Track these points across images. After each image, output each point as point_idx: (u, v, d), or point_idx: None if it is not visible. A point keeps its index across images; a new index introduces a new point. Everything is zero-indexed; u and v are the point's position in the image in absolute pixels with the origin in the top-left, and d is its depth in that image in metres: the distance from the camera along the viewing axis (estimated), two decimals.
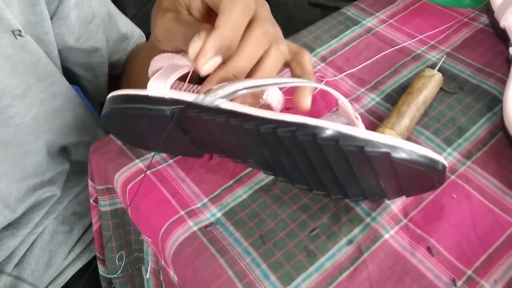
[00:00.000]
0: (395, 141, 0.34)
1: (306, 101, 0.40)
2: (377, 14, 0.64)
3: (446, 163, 0.36)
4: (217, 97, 0.37)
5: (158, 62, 0.42)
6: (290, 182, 0.42)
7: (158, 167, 0.47)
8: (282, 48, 0.38)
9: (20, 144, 0.53)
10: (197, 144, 0.43)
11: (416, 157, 0.34)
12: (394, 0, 0.67)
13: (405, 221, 0.42)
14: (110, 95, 0.42)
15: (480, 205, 0.43)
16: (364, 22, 0.63)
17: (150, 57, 0.43)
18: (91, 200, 0.54)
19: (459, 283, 0.38)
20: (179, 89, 0.40)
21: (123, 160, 0.48)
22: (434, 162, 0.35)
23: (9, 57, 0.47)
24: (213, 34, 0.35)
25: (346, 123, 0.42)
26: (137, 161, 0.48)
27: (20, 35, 0.47)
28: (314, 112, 0.50)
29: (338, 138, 0.34)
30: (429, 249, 0.40)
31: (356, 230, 0.41)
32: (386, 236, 0.41)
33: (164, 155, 0.48)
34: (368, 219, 0.42)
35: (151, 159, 0.48)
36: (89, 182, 0.53)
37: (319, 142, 0.34)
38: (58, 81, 0.55)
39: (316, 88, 0.46)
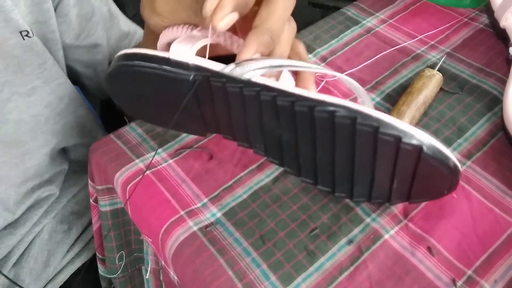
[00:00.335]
0: (430, 138, 0.34)
1: (311, 89, 0.39)
2: (377, 14, 0.64)
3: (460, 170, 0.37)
4: (249, 69, 0.35)
5: (170, 33, 0.39)
6: (296, 173, 0.41)
7: (158, 167, 0.47)
8: (293, 24, 0.38)
9: (19, 142, 0.53)
10: (206, 120, 0.41)
11: (445, 158, 0.34)
12: (394, 0, 0.67)
13: (405, 221, 0.42)
14: (122, 52, 0.39)
15: (480, 205, 0.43)
16: (364, 22, 0.63)
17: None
18: (91, 200, 0.54)
19: (459, 283, 0.38)
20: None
21: (123, 160, 0.48)
22: (455, 168, 0.35)
23: (16, 57, 0.47)
24: None
25: None
26: (137, 161, 0.48)
27: (27, 35, 0.47)
28: None
29: (378, 126, 0.33)
30: (429, 249, 0.40)
31: (356, 230, 0.41)
32: (386, 236, 0.41)
33: (164, 154, 0.48)
34: (368, 219, 0.42)
35: (151, 159, 0.48)
36: (89, 182, 0.53)
37: (358, 127, 0.33)
38: (64, 83, 0.55)
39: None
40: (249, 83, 0.35)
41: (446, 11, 0.64)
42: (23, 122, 0.52)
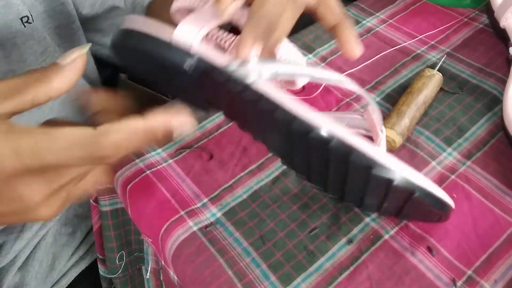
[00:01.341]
0: (426, 182, 0.34)
1: (355, 51, 0.37)
2: (377, 14, 0.64)
3: (453, 206, 0.37)
4: (253, 72, 0.33)
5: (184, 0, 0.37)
6: (307, 179, 0.40)
7: (158, 167, 0.47)
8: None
9: None
10: (210, 102, 0.40)
11: (435, 200, 0.35)
12: (394, 0, 0.67)
13: (405, 221, 0.42)
14: (124, 26, 0.37)
15: (480, 205, 0.43)
16: (364, 22, 0.63)
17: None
18: (91, 200, 0.54)
19: (459, 283, 0.38)
20: (210, 39, 0.36)
21: (123, 160, 0.48)
22: (446, 206, 0.36)
23: (17, 46, 0.47)
24: None
25: (366, 128, 0.42)
26: (137, 161, 0.48)
27: (28, 22, 0.46)
28: None
29: (372, 166, 0.32)
30: (429, 249, 0.40)
31: (355, 230, 0.41)
32: (386, 236, 0.41)
33: (164, 154, 0.49)
34: (367, 219, 0.42)
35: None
36: None
37: (351, 162, 0.32)
38: None
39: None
40: (249, 88, 0.34)
41: (446, 11, 0.64)
42: (26, 113, 0.52)
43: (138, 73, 0.44)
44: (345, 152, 0.32)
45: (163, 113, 0.29)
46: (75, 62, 0.29)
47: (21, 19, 0.46)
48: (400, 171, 0.33)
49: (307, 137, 0.33)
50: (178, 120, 0.29)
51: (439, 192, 0.35)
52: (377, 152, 0.32)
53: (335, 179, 0.37)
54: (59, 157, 0.25)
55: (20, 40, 0.47)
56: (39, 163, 0.25)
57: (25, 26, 0.46)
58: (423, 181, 0.34)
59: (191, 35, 0.34)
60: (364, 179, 0.34)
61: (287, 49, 0.38)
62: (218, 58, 0.34)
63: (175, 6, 0.38)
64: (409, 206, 0.36)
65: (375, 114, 0.39)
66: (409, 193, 0.34)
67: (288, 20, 0.35)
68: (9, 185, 0.26)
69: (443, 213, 0.37)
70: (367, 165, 0.32)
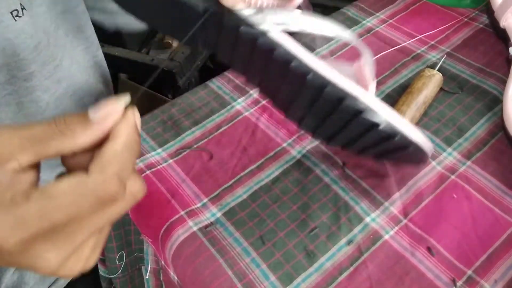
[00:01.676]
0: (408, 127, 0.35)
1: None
2: (377, 14, 0.64)
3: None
4: (270, 21, 0.34)
5: None
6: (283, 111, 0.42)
7: (158, 167, 0.47)
8: None
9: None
10: (210, 44, 0.39)
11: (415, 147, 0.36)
12: (394, 0, 0.67)
13: (405, 221, 0.42)
14: None
15: (480, 205, 0.43)
16: (364, 22, 0.63)
17: None
18: None
19: (459, 283, 0.38)
20: None
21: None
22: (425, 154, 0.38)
23: (10, 40, 0.47)
24: None
25: (356, 79, 0.42)
26: (137, 161, 0.48)
27: (18, 15, 0.46)
28: None
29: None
30: (429, 249, 0.40)
31: (355, 230, 0.41)
32: (386, 236, 0.41)
33: (164, 154, 0.48)
34: (367, 219, 0.42)
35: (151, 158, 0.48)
36: None
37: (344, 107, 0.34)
38: (59, 66, 0.54)
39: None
40: (265, 36, 0.34)
41: (446, 11, 0.64)
42: (23, 106, 0.52)
43: (142, 16, 0.42)
44: (338, 95, 0.34)
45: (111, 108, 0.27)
46: (106, 120, 0.26)
47: (11, 13, 0.45)
48: (386, 116, 0.34)
49: (321, 94, 0.35)
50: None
51: (420, 139, 0.36)
52: (366, 96, 0.34)
53: (319, 117, 0.38)
54: (69, 212, 0.24)
55: (12, 35, 0.46)
56: (49, 225, 0.24)
57: (15, 20, 0.46)
58: (405, 126, 0.35)
59: None
60: (349, 120, 0.35)
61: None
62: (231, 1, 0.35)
63: None
64: (390, 147, 0.37)
65: (367, 66, 0.40)
66: (391, 136, 0.35)
67: None
68: (21, 257, 0.25)
69: (421, 158, 0.39)
70: (357, 109, 0.34)
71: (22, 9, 0.46)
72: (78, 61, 0.58)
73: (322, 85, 0.34)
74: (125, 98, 0.27)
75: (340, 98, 0.34)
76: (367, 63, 0.39)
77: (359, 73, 0.40)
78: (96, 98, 0.62)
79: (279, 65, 0.35)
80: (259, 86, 0.41)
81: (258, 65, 0.38)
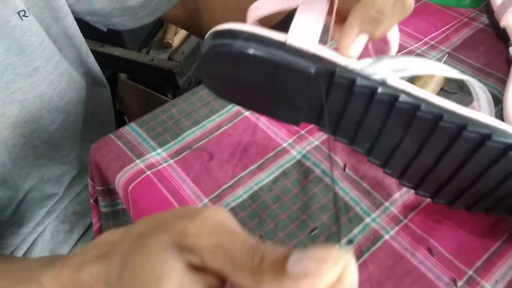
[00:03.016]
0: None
1: (349, 50, 0.32)
2: None
3: None
4: (387, 70, 0.31)
5: (268, 5, 0.32)
6: (398, 177, 0.39)
7: (159, 167, 0.47)
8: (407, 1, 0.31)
9: (25, 122, 0.53)
10: (309, 111, 0.35)
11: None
12: None
13: (405, 221, 0.42)
14: (222, 26, 0.32)
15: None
16: None
17: None
18: (91, 200, 0.54)
19: (459, 283, 0.38)
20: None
21: (124, 161, 0.48)
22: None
23: (17, 39, 0.48)
24: None
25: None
26: (137, 161, 0.48)
27: (25, 15, 0.47)
28: None
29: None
30: (429, 250, 0.40)
31: (356, 230, 0.41)
32: (386, 237, 0.41)
33: (164, 155, 0.48)
34: (368, 219, 0.42)
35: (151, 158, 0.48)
36: (89, 181, 0.53)
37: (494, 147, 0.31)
38: (60, 60, 0.55)
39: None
40: (386, 86, 0.31)
41: (446, 11, 0.64)
42: (27, 102, 0.52)
43: (223, 87, 0.37)
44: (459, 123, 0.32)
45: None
46: (308, 278, 0.17)
47: (19, 13, 0.46)
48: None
49: (460, 135, 0.32)
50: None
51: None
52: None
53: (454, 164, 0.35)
54: None
55: (19, 33, 0.47)
56: None
57: (22, 20, 0.47)
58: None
59: (308, 35, 0.31)
60: (497, 158, 0.32)
61: (396, 39, 0.35)
62: (341, 58, 0.31)
63: (254, 16, 0.34)
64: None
65: (484, 107, 0.37)
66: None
67: (394, 17, 0.31)
68: None
69: None
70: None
71: (27, 9, 0.47)
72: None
73: (460, 125, 0.31)
74: (347, 254, 0.18)
75: (484, 136, 0.31)
76: (483, 105, 0.37)
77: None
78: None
79: (404, 113, 0.32)
80: (370, 144, 0.37)
81: (373, 120, 0.34)
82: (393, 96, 0.31)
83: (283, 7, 0.32)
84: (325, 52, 0.31)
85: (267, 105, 0.37)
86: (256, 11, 0.34)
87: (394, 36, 0.35)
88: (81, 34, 0.58)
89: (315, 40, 0.31)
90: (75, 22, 0.56)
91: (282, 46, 0.31)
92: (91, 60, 0.63)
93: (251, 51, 0.31)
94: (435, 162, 0.35)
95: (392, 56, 0.32)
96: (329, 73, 0.31)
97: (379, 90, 0.31)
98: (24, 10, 0.47)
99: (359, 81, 0.31)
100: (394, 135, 0.34)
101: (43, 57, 0.51)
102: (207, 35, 0.33)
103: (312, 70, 0.31)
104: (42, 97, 0.54)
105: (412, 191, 0.40)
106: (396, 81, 0.32)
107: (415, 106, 0.32)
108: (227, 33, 0.31)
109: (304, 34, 0.31)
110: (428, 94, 0.32)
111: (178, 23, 0.73)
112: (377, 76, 0.31)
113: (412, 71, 0.32)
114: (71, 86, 0.58)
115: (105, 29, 0.63)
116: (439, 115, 0.31)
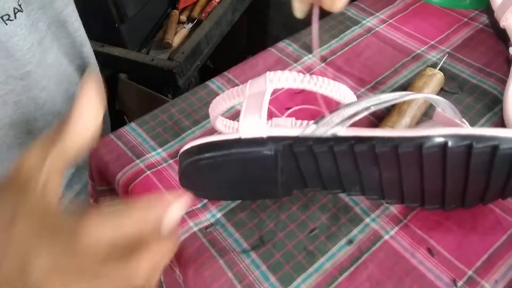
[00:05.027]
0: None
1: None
2: (377, 14, 0.64)
3: None
4: (334, 125, 0.34)
5: (219, 106, 0.39)
6: (400, 202, 0.40)
7: (159, 167, 0.47)
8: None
9: (20, 123, 0.53)
10: (291, 181, 0.40)
11: None
12: (394, 0, 0.66)
13: (405, 221, 0.42)
14: (187, 146, 0.38)
15: (480, 205, 0.43)
16: (364, 22, 0.63)
17: None
18: (91, 201, 0.54)
19: (459, 283, 0.38)
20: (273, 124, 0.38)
21: (124, 160, 0.48)
22: None
23: (3, 43, 0.47)
24: None
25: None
26: (137, 161, 0.48)
27: (9, 19, 0.46)
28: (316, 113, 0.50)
29: (498, 144, 0.33)
30: (429, 250, 0.40)
31: (355, 230, 0.41)
32: (386, 237, 0.41)
33: (164, 154, 0.48)
34: (367, 219, 0.42)
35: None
36: (89, 182, 0.53)
37: (475, 151, 0.33)
38: (52, 63, 0.55)
39: None
40: (338, 139, 0.34)
41: (446, 11, 0.64)
42: (21, 104, 0.52)
43: (207, 192, 0.44)
44: (467, 145, 0.33)
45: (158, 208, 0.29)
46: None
47: (2, 17, 0.46)
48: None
49: (420, 153, 0.33)
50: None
51: None
52: (494, 130, 0.33)
53: (453, 183, 0.37)
54: None
55: (4, 38, 0.47)
56: None
57: (6, 24, 0.46)
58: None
59: (256, 124, 0.35)
60: (489, 161, 0.34)
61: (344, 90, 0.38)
62: (292, 130, 0.36)
63: (214, 115, 0.40)
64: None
65: (447, 111, 0.39)
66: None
67: None
68: None
69: None
70: (494, 145, 0.33)
71: (15, 13, 0.47)
72: (64, 51, 0.58)
73: (418, 145, 0.33)
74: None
75: (441, 145, 0.33)
76: (446, 110, 0.39)
77: (444, 120, 0.40)
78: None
79: (365, 154, 0.34)
80: (360, 186, 0.39)
81: (347, 167, 0.37)
82: (349, 144, 0.34)
83: (232, 104, 0.38)
84: (275, 131, 0.36)
85: (251, 191, 0.42)
86: (214, 110, 0.40)
87: (347, 95, 0.38)
88: (77, 20, 0.57)
89: (263, 125, 0.35)
90: (68, 7, 0.55)
91: (239, 142, 0.36)
92: (87, 49, 0.62)
93: (217, 158, 0.36)
94: (420, 182, 0.37)
95: (342, 106, 0.34)
96: (287, 147, 0.35)
97: (334, 144, 0.34)
98: (8, 14, 0.46)
99: (313, 144, 0.35)
100: (372, 172, 0.37)
101: (33, 61, 0.51)
102: (178, 156, 0.39)
103: (271, 152, 0.35)
104: (35, 101, 0.53)
105: None
106: (346, 131, 0.35)
107: (371, 145, 0.34)
108: (192, 151, 0.37)
109: (254, 124, 0.35)
110: (378, 131, 0.34)
111: None
112: (328, 133, 0.35)
113: (362, 112, 0.34)
114: (65, 89, 0.58)
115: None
116: (395, 146, 0.34)
